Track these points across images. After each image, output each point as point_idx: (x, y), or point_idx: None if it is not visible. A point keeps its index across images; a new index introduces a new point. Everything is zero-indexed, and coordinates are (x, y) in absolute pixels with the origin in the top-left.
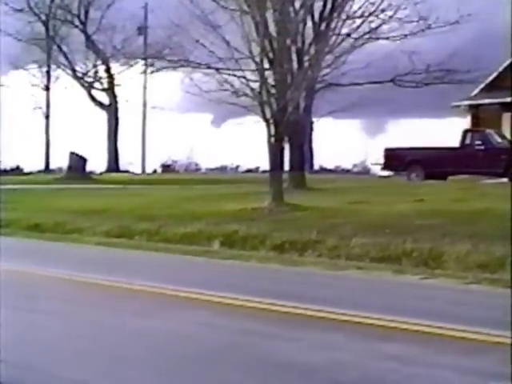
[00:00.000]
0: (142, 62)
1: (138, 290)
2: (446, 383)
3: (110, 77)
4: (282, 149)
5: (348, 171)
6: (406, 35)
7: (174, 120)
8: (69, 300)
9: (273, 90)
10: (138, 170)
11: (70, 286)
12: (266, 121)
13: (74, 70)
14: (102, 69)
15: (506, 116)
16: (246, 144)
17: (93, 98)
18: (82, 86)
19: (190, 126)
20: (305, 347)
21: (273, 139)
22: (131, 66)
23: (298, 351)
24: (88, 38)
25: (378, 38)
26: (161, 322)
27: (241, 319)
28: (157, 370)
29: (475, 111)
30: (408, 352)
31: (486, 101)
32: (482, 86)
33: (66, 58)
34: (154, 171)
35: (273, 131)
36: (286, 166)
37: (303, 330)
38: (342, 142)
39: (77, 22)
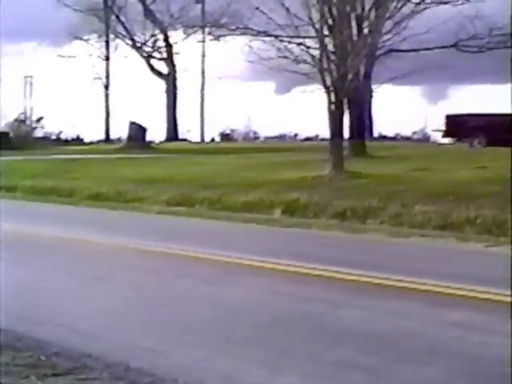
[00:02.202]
0: (200, 30)
1: (204, 258)
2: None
3: (169, 46)
4: (342, 116)
5: (408, 138)
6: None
7: (235, 88)
8: (134, 268)
9: (333, 57)
10: (197, 139)
11: (135, 254)
12: (327, 88)
13: (132, 40)
14: (160, 38)
15: None
16: (305, 112)
17: (152, 68)
18: (141, 55)
19: (251, 94)
20: (372, 315)
21: (333, 106)
22: (189, 34)
23: (365, 319)
24: (146, 7)
25: (439, 3)
26: (227, 289)
27: (306, 287)
28: (224, 338)
29: None
30: (475, 320)
31: None
32: None
33: (125, 27)
34: (212, 140)
35: (333, 98)
36: (346, 134)
37: (370, 298)
38: (401, 109)
39: None
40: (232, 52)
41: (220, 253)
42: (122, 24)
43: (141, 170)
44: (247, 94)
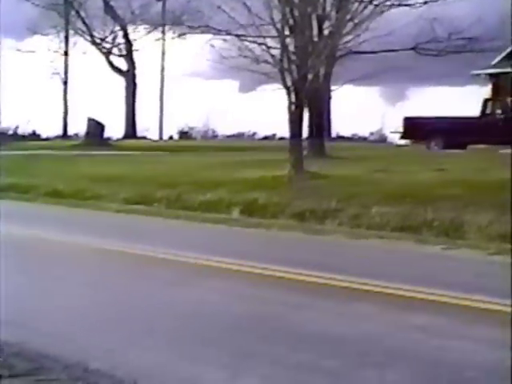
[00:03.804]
0: (161, 28)
1: (163, 259)
2: (475, 356)
3: (128, 43)
4: (302, 116)
5: (365, 139)
6: (427, 2)
7: (199, 87)
8: (94, 268)
9: (293, 57)
10: (155, 137)
11: (94, 253)
12: (287, 88)
13: (92, 36)
14: (120, 35)
15: None
16: (265, 111)
17: (111, 64)
18: (100, 51)
19: (214, 92)
20: (332, 318)
21: (293, 106)
22: (150, 32)
23: (326, 322)
24: (106, 3)
25: (399, 5)
26: (187, 290)
27: (267, 288)
28: (184, 340)
29: (496, 80)
30: (435, 323)
31: (507, 69)
32: (502, 54)
33: (84, 23)
34: (171, 138)
35: (293, 98)
36: (305, 134)
37: (330, 300)
38: (359, 110)
39: None
40: (195, 50)
41: (179, 253)
42: (82, 20)
43: (99, 167)
44: (210, 92)
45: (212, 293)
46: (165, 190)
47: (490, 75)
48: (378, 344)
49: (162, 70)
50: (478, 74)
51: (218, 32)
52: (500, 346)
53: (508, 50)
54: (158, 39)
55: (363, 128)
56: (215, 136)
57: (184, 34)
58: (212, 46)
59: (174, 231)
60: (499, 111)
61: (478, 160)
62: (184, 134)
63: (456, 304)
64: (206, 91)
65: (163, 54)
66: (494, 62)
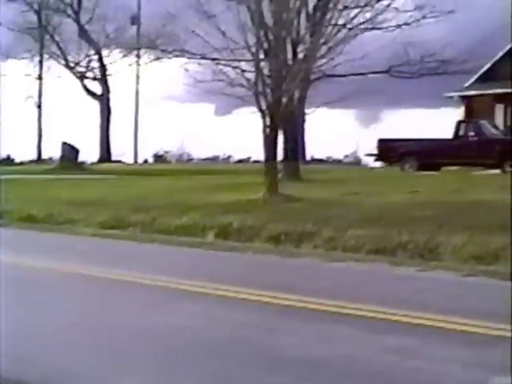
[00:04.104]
0: (136, 51)
1: (138, 283)
2: (448, 377)
3: (103, 66)
4: (276, 139)
5: (339, 162)
6: (400, 25)
7: (174, 110)
8: (69, 293)
9: (268, 81)
10: (130, 160)
11: (69, 278)
12: (262, 111)
13: (66, 60)
14: (94, 58)
15: (498, 107)
16: (240, 134)
17: (85, 88)
18: (75, 75)
19: (190, 116)
20: (308, 341)
21: (268, 130)
22: (124, 55)
23: (302, 345)
24: (81, 27)
25: (372, 28)
26: (163, 315)
27: (243, 312)
28: (157, 363)
29: (469, 102)
30: (409, 345)
31: (479, 92)
32: (475, 76)
33: (59, 47)
34: (146, 161)
35: (268, 122)
36: (279, 157)
37: (304, 323)
38: (334, 133)
39: (69, 12)
40: (170, 74)
41: (155, 277)
42: (57, 44)
43: (73, 192)
44: (186, 115)
45: (187, 317)
46: (140, 213)
47: (463, 97)
48: (353, 366)
49: (137, 93)
50: (451, 97)
51: (192, 56)
52: (475, 366)
53: (480, 72)
54: (132, 63)
55: (338, 150)
56: (190, 159)
57: (159, 58)
58: (186, 70)
59: (149, 255)
60: (472, 133)
61: (451, 181)
62: (159, 158)
63: (431, 326)
64: (181, 115)
65: (138, 77)
66: (466, 85)
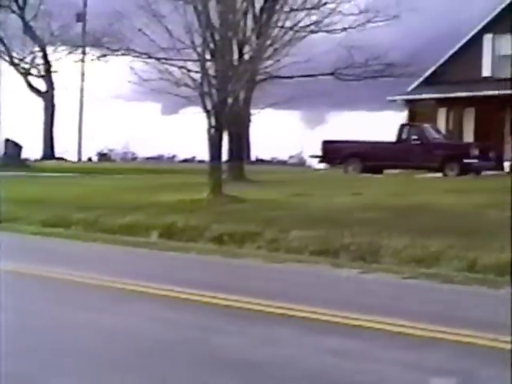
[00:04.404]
0: (81, 49)
1: (80, 282)
2: (389, 379)
3: (47, 63)
4: (221, 140)
5: (284, 163)
6: (346, 28)
7: (120, 108)
8: (9, 292)
9: (214, 81)
10: (74, 158)
11: (10, 277)
12: (207, 112)
13: (10, 56)
14: (39, 55)
15: (441, 111)
16: (185, 134)
17: (29, 85)
18: (19, 72)
19: (136, 114)
20: (248, 342)
21: (213, 130)
22: (69, 53)
23: (242, 346)
24: (26, 23)
25: (318, 31)
26: (105, 315)
27: (185, 313)
28: (103, 366)
29: (412, 106)
30: (350, 347)
31: (422, 96)
32: (418, 80)
33: (3, 43)
34: (89, 159)
35: (213, 122)
36: (224, 157)
37: (246, 324)
38: (279, 134)
39: (14, 8)
40: (117, 72)
41: (97, 277)
42: (1, 40)
43: (15, 189)
44: (132, 114)
45: (128, 317)
46: (83, 212)
47: (407, 101)
48: (293, 368)
49: (82, 91)
50: (395, 100)
51: (138, 54)
52: (414, 368)
53: (423, 76)
54: (77, 61)
55: (283, 151)
56: (134, 158)
57: (104, 55)
58: (132, 68)
59: (91, 254)
60: (415, 137)
61: (394, 184)
62: (103, 156)
63: (371, 327)
64: (127, 113)
65: (83, 75)
66: (409, 89)
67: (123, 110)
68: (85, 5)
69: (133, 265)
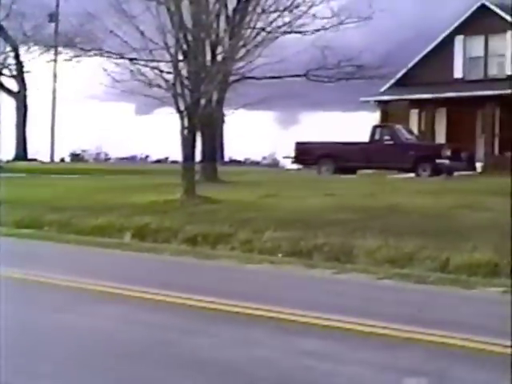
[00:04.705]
0: (54, 49)
1: (54, 284)
2: (362, 380)
3: (19, 63)
4: (195, 141)
5: (257, 163)
6: (319, 30)
7: (94, 109)
8: None
9: (186, 82)
10: (47, 159)
11: None
12: (180, 112)
13: None
14: (11, 55)
15: (413, 112)
16: (157, 134)
17: (1, 85)
18: None
19: (110, 115)
20: (222, 343)
21: (186, 131)
22: (42, 53)
23: (215, 347)
24: None
25: (291, 32)
26: (77, 317)
27: (158, 314)
28: (74, 367)
29: (384, 106)
30: (324, 348)
31: (394, 97)
32: (390, 82)
33: None
34: (62, 160)
35: (186, 123)
36: (197, 158)
37: (220, 325)
38: (252, 134)
39: None
40: (91, 73)
41: (71, 278)
42: None
43: None
44: (106, 114)
45: (102, 319)
46: (56, 213)
47: (379, 102)
48: (266, 369)
49: (54, 91)
50: (368, 101)
51: (110, 55)
52: (387, 369)
53: (396, 77)
54: (50, 61)
55: (256, 152)
56: (108, 159)
57: (77, 56)
58: (104, 69)
59: (64, 256)
60: (387, 137)
61: (367, 185)
62: (76, 157)
63: (343, 328)
64: (101, 114)
65: (55, 75)
66: (382, 90)
67: (97, 111)
68: (57, 5)
69: (106, 266)
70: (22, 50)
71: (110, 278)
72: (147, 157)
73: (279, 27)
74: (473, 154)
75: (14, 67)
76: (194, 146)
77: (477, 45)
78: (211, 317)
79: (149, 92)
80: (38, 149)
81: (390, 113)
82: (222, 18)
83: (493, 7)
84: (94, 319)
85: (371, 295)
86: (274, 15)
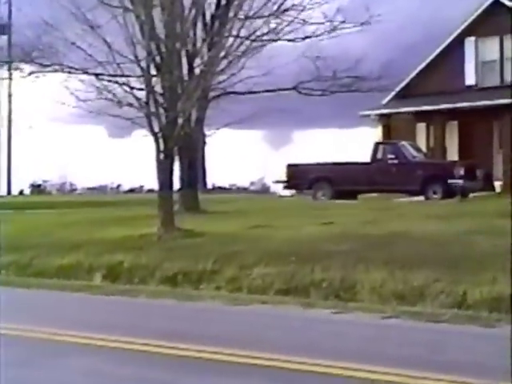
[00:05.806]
0: (6, 65)
1: (13, 335)
2: None
3: None
4: (172, 166)
5: (245, 189)
6: (309, 37)
7: (56, 133)
8: None
9: (161, 100)
10: (3, 192)
11: None
12: (154, 134)
13: None
14: None
15: (420, 126)
16: (129, 160)
17: None
18: None
19: (73, 140)
20: None
21: (162, 155)
22: None
23: None
24: None
25: (278, 40)
26: (41, 371)
27: (133, 365)
28: None
29: (386, 121)
30: None
31: (398, 109)
32: (392, 93)
33: None
34: (21, 192)
35: (162, 146)
36: (176, 185)
37: (203, 375)
38: (238, 157)
39: None
40: (52, 91)
41: (32, 328)
42: None
43: None
44: (71, 139)
45: (69, 372)
46: (14, 253)
47: (381, 116)
48: None
49: (10, 114)
50: (368, 115)
51: (73, 70)
52: None
53: (398, 87)
54: (3, 78)
55: (243, 177)
56: (74, 189)
57: (34, 72)
58: (66, 87)
59: (25, 303)
60: (391, 156)
61: (369, 211)
62: (37, 188)
63: (343, 374)
64: (65, 138)
65: (10, 96)
66: (384, 102)
67: (61, 135)
68: (9, 15)
69: (73, 313)
70: None
71: (77, 327)
72: (119, 186)
73: (265, 34)
74: (490, 171)
75: None
76: (171, 172)
77: (490, 47)
78: (192, 366)
79: (118, 112)
80: None
81: (393, 128)
82: (200, 26)
83: (508, 3)
84: (59, 372)
85: (376, 336)
86: (259, 21)
